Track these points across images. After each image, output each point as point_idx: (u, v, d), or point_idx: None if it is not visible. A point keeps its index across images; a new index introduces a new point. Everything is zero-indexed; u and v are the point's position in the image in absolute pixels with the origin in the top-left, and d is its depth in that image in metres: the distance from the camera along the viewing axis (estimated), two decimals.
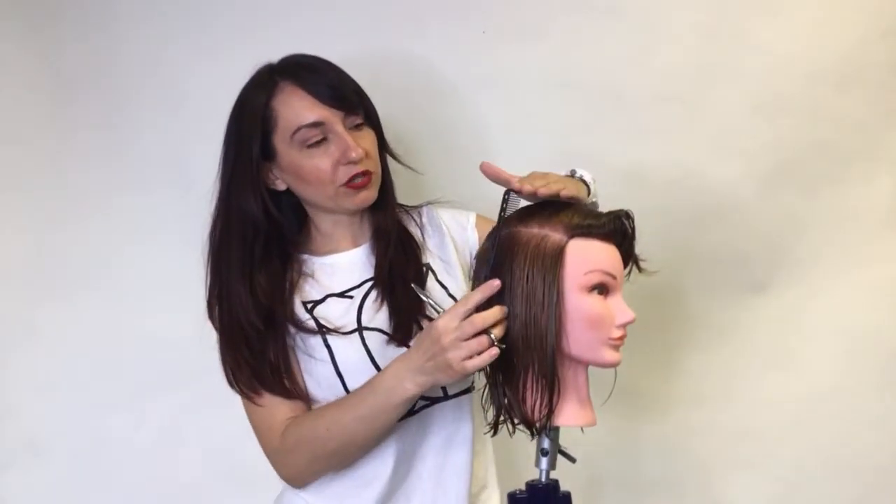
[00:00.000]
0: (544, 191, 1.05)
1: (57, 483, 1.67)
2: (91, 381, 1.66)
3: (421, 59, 1.60)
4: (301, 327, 1.22)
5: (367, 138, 1.24)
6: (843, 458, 1.67)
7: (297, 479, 1.24)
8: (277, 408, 1.22)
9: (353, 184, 1.21)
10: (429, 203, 1.37)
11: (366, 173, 1.22)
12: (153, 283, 1.66)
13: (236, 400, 1.27)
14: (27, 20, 1.61)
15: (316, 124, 1.20)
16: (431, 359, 1.04)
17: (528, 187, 1.05)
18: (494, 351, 1.02)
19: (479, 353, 1.02)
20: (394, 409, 1.12)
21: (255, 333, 1.20)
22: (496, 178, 1.09)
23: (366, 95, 1.26)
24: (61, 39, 1.62)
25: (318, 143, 1.20)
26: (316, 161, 1.20)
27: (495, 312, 1.02)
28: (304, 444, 1.18)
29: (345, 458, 1.20)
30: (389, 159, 1.32)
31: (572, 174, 1.16)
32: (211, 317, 1.25)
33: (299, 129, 1.19)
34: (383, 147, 1.29)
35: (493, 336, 1.02)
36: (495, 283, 1.04)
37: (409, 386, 1.08)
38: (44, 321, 1.66)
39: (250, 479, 1.51)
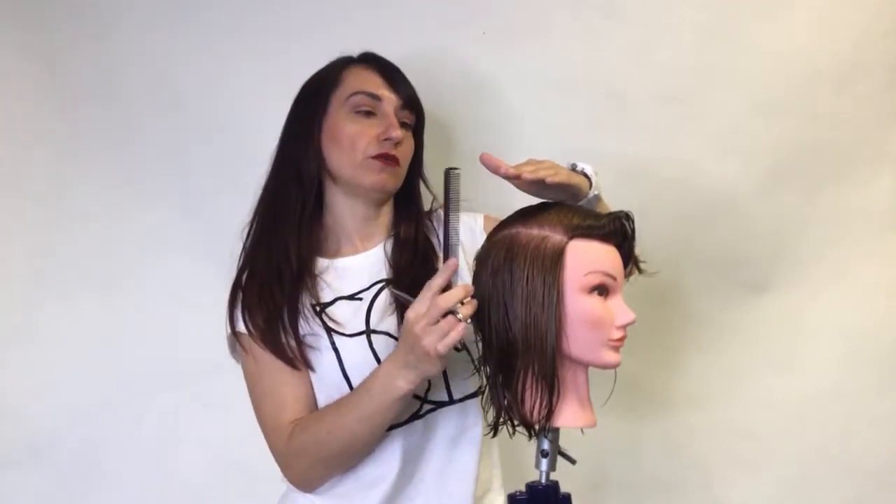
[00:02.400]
0: (529, 176, 1.04)
1: (57, 483, 1.67)
2: (91, 381, 1.66)
3: (420, 59, 1.60)
4: (311, 320, 1.22)
5: (409, 141, 1.30)
6: (844, 458, 1.67)
7: (304, 482, 1.24)
8: (282, 394, 1.21)
9: (380, 158, 1.24)
10: None
11: (395, 158, 1.26)
12: (153, 283, 1.66)
13: (236, 400, 1.27)
14: (31, 27, 1.61)
15: (374, 96, 1.27)
16: (411, 351, 1.04)
17: (512, 171, 1.05)
18: (461, 326, 1.00)
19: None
20: (388, 409, 1.11)
21: (289, 278, 1.23)
22: (493, 168, 1.08)
23: (423, 110, 1.32)
24: (64, 47, 1.62)
25: (367, 114, 1.26)
26: (357, 127, 1.25)
27: (458, 291, 1.01)
28: (307, 448, 1.18)
29: (347, 460, 1.20)
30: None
31: (573, 167, 1.15)
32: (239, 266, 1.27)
33: (357, 92, 1.26)
34: (417, 165, 1.34)
35: (459, 316, 1.01)
36: (453, 263, 1.03)
37: (400, 383, 1.08)
38: (44, 321, 1.66)
39: (250, 479, 1.52)
